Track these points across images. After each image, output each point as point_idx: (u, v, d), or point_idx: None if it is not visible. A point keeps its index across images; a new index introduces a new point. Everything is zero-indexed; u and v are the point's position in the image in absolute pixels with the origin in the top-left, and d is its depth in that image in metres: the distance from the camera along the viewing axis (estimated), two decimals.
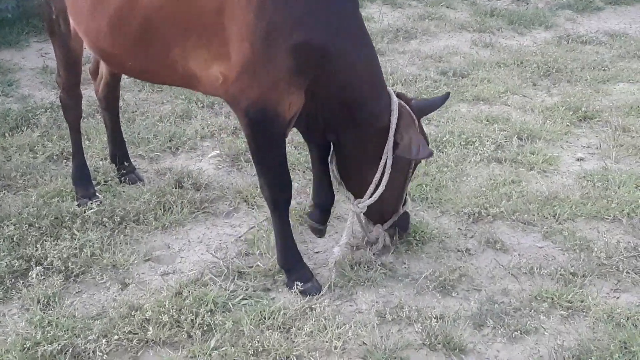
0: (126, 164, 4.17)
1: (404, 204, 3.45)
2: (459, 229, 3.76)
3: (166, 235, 3.67)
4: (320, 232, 3.57)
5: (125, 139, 4.61)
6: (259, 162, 3.13)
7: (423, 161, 4.09)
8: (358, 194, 3.33)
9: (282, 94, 2.95)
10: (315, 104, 3.10)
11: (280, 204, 3.20)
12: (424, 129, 3.37)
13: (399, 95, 3.27)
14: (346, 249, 3.48)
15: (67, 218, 3.66)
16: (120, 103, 5.02)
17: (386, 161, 3.19)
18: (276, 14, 2.85)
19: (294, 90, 2.98)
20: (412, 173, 3.40)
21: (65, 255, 3.34)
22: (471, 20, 7.45)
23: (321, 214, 3.54)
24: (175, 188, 4.04)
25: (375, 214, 3.42)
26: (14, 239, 3.47)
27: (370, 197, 3.26)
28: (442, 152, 4.51)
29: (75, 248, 3.42)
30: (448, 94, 3.49)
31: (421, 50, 6.56)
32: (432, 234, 3.67)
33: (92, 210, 3.73)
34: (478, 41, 6.85)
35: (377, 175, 3.21)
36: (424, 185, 4.11)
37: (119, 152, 4.16)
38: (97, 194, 3.91)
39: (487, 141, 4.61)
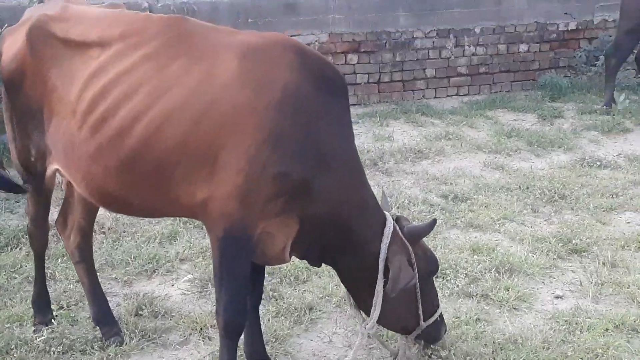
0: (113, 327, 3.89)
1: (429, 316, 3.48)
2: None
3: None
4: None
5: (105, 261, 4.74)
6: (221, 281, 3.18)
7: None
8: (366, 313, 3.46)
9: (260, 218, 3.12)
10: (309, 232, 3.24)
11: (231, 330, 3.24)
12: (432, 253, 3.56)
13: (398, 220, 3.41)
14: None
15: (16, 345, 3.73)
16: (111, 223, 5.22)
17: (379, 286, 3.30)
18: (270, 149, 3.04)
19: (275, 217, 3.15)
20: (428, 285, 3.50)
21: None
22: (489, 141, 7.40)
23: None
24: (133, 316, 4.08)
25: (394, 329, 3.59)
26: None
27: (372, 319, 3.37)
28: None
29: None
30: (434, 220, 3.52)
31: (429, 172, 6.53)
32: None
33: (41, 338, 3.79)
34: (490, 163, 6.78)
35: (374, 299, 3.33)
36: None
37: (103, 313, 3.92)
38: (53, 320, 3.97)
39: (462, 274, 4.50)
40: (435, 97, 9.22)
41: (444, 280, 4.46)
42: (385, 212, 3.44)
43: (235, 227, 3.12)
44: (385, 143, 7.23)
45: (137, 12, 3.52)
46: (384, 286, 3.31)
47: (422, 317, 3.44)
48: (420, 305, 3.44)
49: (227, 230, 3.12)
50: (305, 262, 3.62)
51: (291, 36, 8.33)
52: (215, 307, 3.29)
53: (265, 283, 4.31)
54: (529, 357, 3.69)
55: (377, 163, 6.67)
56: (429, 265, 3.48)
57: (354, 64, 8.80)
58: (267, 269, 4.46)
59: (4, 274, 4.52)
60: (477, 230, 5.31)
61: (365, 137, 7.47)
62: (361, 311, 3.56)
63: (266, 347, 3.74)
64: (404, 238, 3.36)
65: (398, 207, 5.61)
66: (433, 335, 3.57)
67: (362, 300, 3.46)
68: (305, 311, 4.13)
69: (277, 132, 3.07)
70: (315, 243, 3.35)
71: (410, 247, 3.36)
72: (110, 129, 3.15)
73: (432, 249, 4.79)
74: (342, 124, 3.30)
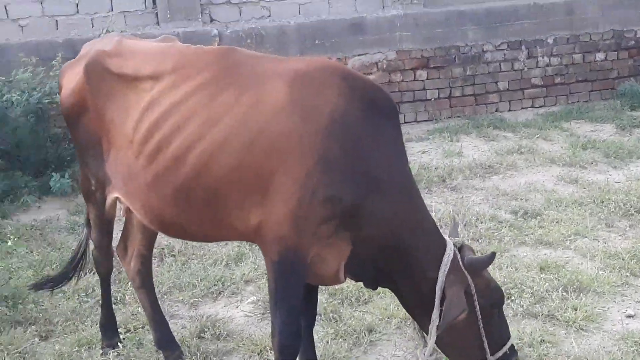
0: (175, 351, 3.97)
1: (498, 350, 3.31)
2: None
3: None
4: None
5: (173, 284, 4.85)
6: (276, 304, 3.22)
7: None
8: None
9: (312, 241, 3.15)
10: (362, 254, 3.25)
11: (286, 352, 3.25)
12: (496, 284, 3.37)
13: (461, 248, 3.33)
14: None
15: None
16: (180, 246, 5.33)
17: (436, 314, 3.22)
18: (321, 174, 3.08)
19: (327, 239, 3.17)
20: (494, 318, 3.32)
21: None
22: (563, 154, 7.20)
23: None
24: (196, 338, 4.15)
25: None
26: None
27: (428, 347, 3.30)
28: None
29: None
30: (493, 253, 3.36)
31: (499, 188, 6.40)
32: None
33: None
34: (564, 176, 6.59)
35: (430, 326, 3.25)
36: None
37: (164, 337, 3.99)
38: (119, 343, 4.08)
39: (527, 293, 4.39)
40: (509, 110, 9.05)
41: (508, 300, 4.35)
42: (448, 239, 3.35)
43: (289, 251, 3.16)
44: (454, 159, 7.14)
45: (188, 45, 3.60)
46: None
47: (488, 350, 3.28)
48: (485, 339, 3.28)
49: (281, 253, 3.16)
50: None
51: (358, 55, 8.42)
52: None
53: (325, 304, 4.35)
54: None
55: (446, 180, 6.59)
56: (492, 298, 3.31)
57: (423, 80, 8.74)
58: (329, 289, 4.49)
59: (77, 298, 4.68)
60: (547, 247, 5.17)
61: (434, 154, 7.41)
62: (424, 335, 3.47)
63: None
64: (463, 268, 3.26)
65: (465, 225, 5.53)
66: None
67: (422, 325, 3.39)
68: (364, 333, 4.12)
69: (326, 157, 3.09)
70: (368, 265, 3.34)
71: (470, 278, 3.24)
72: (166, 159, 3.24)
73: (498, 268, 4.73)
74: (393, 146, 3.29)
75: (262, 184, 3.12)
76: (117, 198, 3.66)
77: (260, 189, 3.13)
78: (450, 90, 8.86)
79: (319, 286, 3.74)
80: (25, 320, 4.41)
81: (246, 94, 3.19)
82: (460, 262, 3.26)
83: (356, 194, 3.14)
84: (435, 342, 3.31)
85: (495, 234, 5.36)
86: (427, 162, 7.10)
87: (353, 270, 3.36)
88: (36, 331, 4.29)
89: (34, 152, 6.81)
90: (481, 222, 5.58)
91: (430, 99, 8.79)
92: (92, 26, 7.76)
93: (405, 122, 8.64)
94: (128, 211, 3.76)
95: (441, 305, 3.22)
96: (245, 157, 3.13)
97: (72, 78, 3.64)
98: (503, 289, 4.38)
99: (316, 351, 3.94)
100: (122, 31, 7.19)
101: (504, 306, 4.23)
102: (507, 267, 4.82)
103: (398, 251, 3.26)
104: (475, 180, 6.63)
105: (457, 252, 3.30)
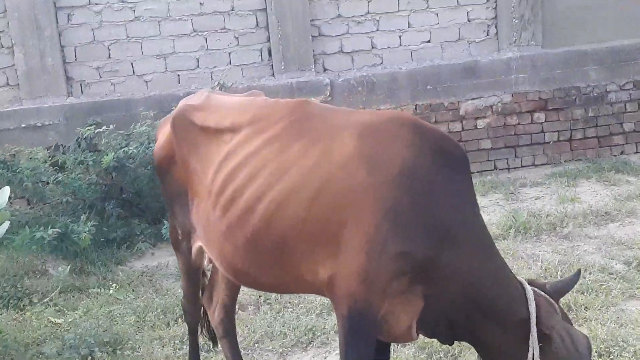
0: None
1: None
2: None
3: None
4: None
5: (265, 332, 4.90)
6: (347, 358, 3.17)
7: None
8: None
9: (384, 298, 3.10)
10: (436, 308, 3.19)
11: None
12: (564, 311, 3.34)
13: (530, 283, 3.29)
14: None
15: None
16: (276, 294, 5.38)
17: (533, 353, 3.12)
18: (390, 226, 3.05)
19: (399, 295, 3.12)
20: None
21: None
22: None
23: None
24: None
25: None
26: None
27: None
28: None
29: None
30: (579, 270, 3.45)
31: (615, 236, 6.05)
32: None
33: None
34: None
35: None
36: None
37: None
38: None
39: (629, 352, 4.10)
40: (636, 153, 8.59)
41: (608, 359, 4.08)
42: (519, 278, 3.31)
43: (360, 306, 3.11)
44: (569, 205, 6.82)
45: (266, 98, 3.68)
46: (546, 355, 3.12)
47: None
48: None
49: (351, 308, 3.12)
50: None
51: (472, 99, 8.29)
52: None
53: (412, 358, 4.24)
54: None
55: (557, 227, 6.31)
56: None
57: (541, 123, 8.47)
58: (419, 342, 4.39)
59: (172, 345, 4.82)
60: None
61: (548, 200, 7.13)
62: None
63: None
64: (548, 297, 3.21)
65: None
66: None
67: None
68: None
69: (395, 210, 3.05)
70: (442, 320, 3.26)
71: (557, 305, 3.20)
72: (238, 209, 3.32)
73: (602, 323, 4.46)
74: (465, 197, 3.23)
75: (330, 236, 3.11)
76: (201, 247, 3.77)
77: (329, 242, 3.12)
78: (571, 133, 8.53)
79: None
80: None
81: (315, 146, 3.22)
82: (543, 293, 3.22)
83: (428, 247, 3.08)
84: None
85: (604, 286, 5.06)
86: (539, 208, 6.83)
87: (426, 327, 3.28)
88: None
89: (151, 201, 7.13)
90: (589, 273, 5.28)
91: (549, 142, 8.48)
92: (212, 79, 8.10)
93: (522, 166, 8.40)
94: (211, 261, 3.87)
95: (539, 342, 3.12)
96: (312, 208, 3.14)
97: (164, 131, 3.84)
98: (603, 346, 4.17)
99: None
100: (231, 84, 7.49)
101: None
102: (611, 322, 4.52)
103: (476, 302, 3.18)
104: (589, 228, 6.30)
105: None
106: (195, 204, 3.65)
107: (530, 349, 3.12)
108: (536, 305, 3.15)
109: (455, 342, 3.44)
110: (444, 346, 4.39)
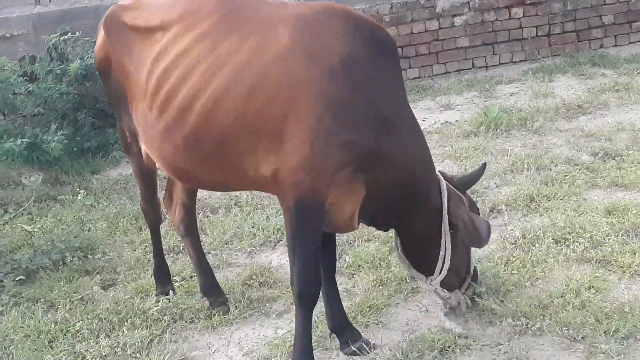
0: (219, 297, 4.08)
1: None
2: (498, 343, 3.47)
3: (212, 334, 3.88)
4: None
5: (234, 233, 4.97)
6: (294, 251, 3.25)
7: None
8: (428, 272, 3.57)
9: (330, 187, 3.18)
10: (376, 195, 3.30)
11: (305, 300, 3.30)
12: (472, 199, 3.72)
13: (441, 173, 3.52)
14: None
15: (134, 315, 4.05)
16: (247, 197, 5.44)
17: (445, 239, 3.45)
18: (333, 117, 3.09)
19: (344, 184, 3.21)
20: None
21: (104, 354, 3.71)
22: None
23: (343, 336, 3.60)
24: (243, 285, 4.25)
25: (450, 283, 3.64)
26: (78, 332, 3.93)
27: (440, 273, 3.50)
28: (524, 252, 4.18)
29: (116, 346, 3.77)
30: (484, 164, 3.67)
31: (584, 129, 6.06)
32: (466, 346, 3.46)
33: (156, 308, 4.08)
34: None
35: (441, 253, 3.47)
36: (486, 289, 3.85)
37: (208, 284, 4.12)
38: (171, 290, 4.25)
39: (584, 238, 4.18)
40: (615, 46, 8.50)
41: (563, 246, 4.17)
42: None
43: (306, 197, 3.16)
44: (542, 100, 6.80)
45: None
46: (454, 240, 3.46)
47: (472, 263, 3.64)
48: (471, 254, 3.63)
49: (297, 200, 3.17)
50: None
51: None
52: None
53: (374, 252, 4.34)
54: (633, 328, 3.36)
55: (527, 122, 6.31)
56: (474, 210, 3.61)
57: (519, 18, 8.35)
58: (382, 236, 4.47)
59: (142, 249, 4.89)
60: (621, 189, 4.88)
61: (523, 96, 7.11)
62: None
63: (359, 316, 3.77)
64: (455, 189, 3.48)
65: (537, 168, 5.30)
66: (474, 279, 3.73)
67: (425, 260, 3.54)
68: (407, 280, 4.07)
69: (336, 100, 3.08)
70: (380, 207, 3.38)
71: (464, 197, 3.49)
72: (174, 108, 3.31)
73: (562, 211, 4.54)
74: (398, 85, 3.32)
75: (271, 131, 3.13)
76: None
77: (271, 137, 3.14)
78: (550, 28, 8.42)
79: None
80: (93, 270, 4.67)
81: (247, 41, 3.19)
82: (451, 185, 3.49)
83: (370, 136, 3.14)
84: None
85: (567, 177, 5.10)
86: (512, 104, 6.82)
87: (366, 214, 3.38)
88: (100, 280, 4.54)
89: None
90: (555, 165, 5.33)
91: (527, 38, 8.39)
92: None
93: (501, 64, 8.34)
94: None
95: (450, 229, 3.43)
96: (250, 103, 3.14)
97: (100, 34, 3.78)
98: (560, 233, 4.26)
99: (355, 298, 3.98)
100: None
101: (557, 252, 4.10)
102: (571, 210, 4.59)
103: (408, 189, 3.35)
104: (559, 122, 6.31)
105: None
106: (134, 106, 3.63)
107: (443, 235, 3.44)
108: (447, 196, 3.41)
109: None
110: None
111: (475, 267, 3.74)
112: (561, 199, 4.80)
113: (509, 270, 4.02)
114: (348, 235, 4.57)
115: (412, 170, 3.32)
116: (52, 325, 3.97)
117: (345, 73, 3.09)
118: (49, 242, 4.86)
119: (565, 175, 5.13)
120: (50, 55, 7.01)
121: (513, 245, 4.30)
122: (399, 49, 8.06)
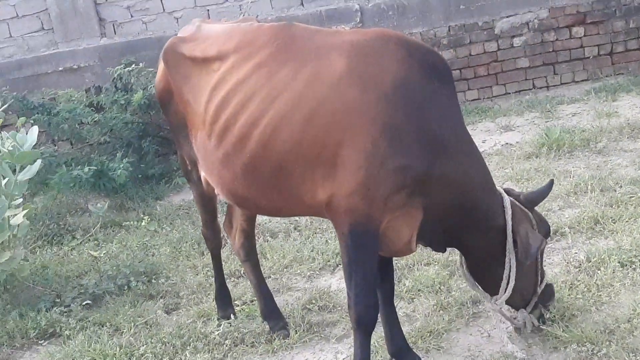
0: (279, 321, 4.11)
1: (542, 281, 3.60)
2: None
3: (273, 358, 3.90)
4: None
5: (293, 257, 5.01)
6: (350, 276, 3.28)
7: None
8: (493, 291, 3.56)
9: (384, 212, 3.21)
10: (433, 217, 3.32)
11: (363, 324, 3.32)
12: (542, 215, 3.66)
13: (507, 191, 3.52)
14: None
15: (196, 339, 4.10)
16: (305, 221, 5.48)
17: (510, 257, 3.42)
18: (387, 142, 3.12)
19: (399, 208, 3.23)
20: (542, 255, 3.60)
21: None
22: None
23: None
24: (303, 310, 4.27)
25: (515, 302, 3.61)
26: (142, 356, 4.00)
27: (505, 292, 3.48)
28: (589, 275, 4.09)
29: None
30: (552, 181, 3.63)
31: None
32: None
33: (218, 332, 4.13)
34: None
35: (506, 272, 3.45)
36: (550, 314, 3.78)
37: (268, 308, 4.15)
38: (233, 314, 4.30)
39: None
40: None
41: (629, 269, 4.07)
42: (499, 188, 3.55)
43: (360, 223, 3.18)
44: (605, 120, 6.67)
45: (251, 23, 3.65)
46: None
47: (539, 281, 3.56)
48: (540, 270, 3.56)
49: (352, 226, 3.19)
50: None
51: (507, 17, 8.11)
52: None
53: (434, 276, 4.32)
54: None
55: (590, 143, 6.19)
56: (544, 228, 3.56)
57: (580, 37, 8.23)
58: (442, 260, 4.44)
59: (204, 273, 4.97)
60: None
61: (585, 116, 6.99)
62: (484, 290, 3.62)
63: (420, 341, 3.75)
64: (522, 206, 3.46)
65: (601, 190, 5.20)
66: (547, 297, 3.65)
67: (490, 278, 3.53)
68: (468, 305, 4.03)
69: (390, 125, 3.11)
70: (438, 229, 3.38)
71: (530, 214, 3.47)
72: (233, 136, 3.37)
73: (628, 234, 4.45)
74: (453, 108, 3.33)
75: (327, 157, 3.16)
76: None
77: (327, 163, 3.17)
78: (612, 46, 8.28)
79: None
80: (157, 294, 4.77)
81: (304, 69, 3.25)
82: (517, 202, 3.46)
83: (425, 159, 3.16)
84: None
85: (634, 198, 4.99)
86: (575, 124, 6.71)
87: (425, 236, 3.38)
88: (164, 304, 4.62)
89: None
90: (620, 187, 5.22)
91: (588, 57, 8.26)
92: (240, 11, 8.08)
93: (562, 84, 8.23)
94: None
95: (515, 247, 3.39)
96: (306, 130, 3.18)
97: (160, 66, 3.88)
98: (626, 256, 4.16)
99: (415, 323, 3.96)
100: (257, 15, 7.45)
101: (623, 275, 4.01)
102: (637, 233, 4.47)
103: (467, 209, 3.34)
104: (623, 142, 6.17)
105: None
106: (193, 134, 3.71)
107: (507, 253, 3.41)
108: (512, 213, 3.39)
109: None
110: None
111: (548, 285, 3.66)
112: (627, 221, 4.69)
113: (574, 294, 3.95)
114: (407, 259, 4.56)
115: (470, 191, 3.32)
116: (117, 349, 4.05)
117: (399, 98, 3.13)
118: (114, 267, 4.98)
119: (630, 197, 5.02)
120: (115, 86, 7.21)
121: (577, 269, 4.22)
122: (457, 71, 8.05)
